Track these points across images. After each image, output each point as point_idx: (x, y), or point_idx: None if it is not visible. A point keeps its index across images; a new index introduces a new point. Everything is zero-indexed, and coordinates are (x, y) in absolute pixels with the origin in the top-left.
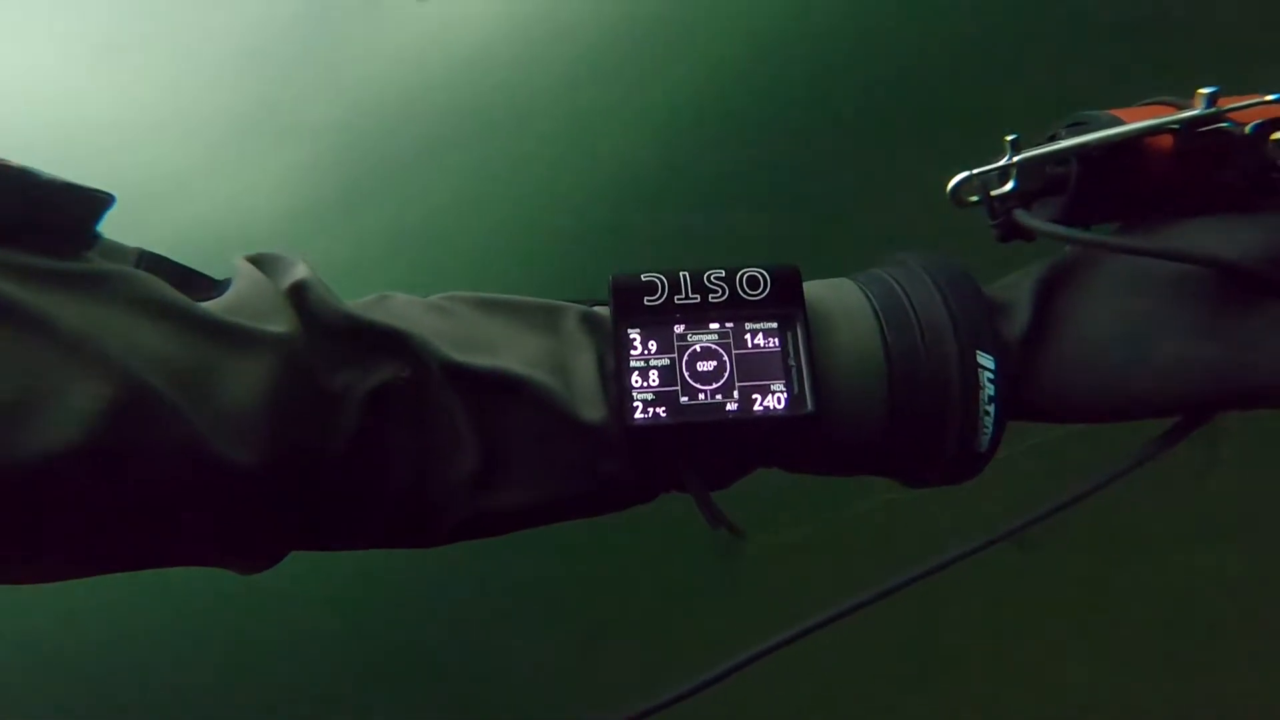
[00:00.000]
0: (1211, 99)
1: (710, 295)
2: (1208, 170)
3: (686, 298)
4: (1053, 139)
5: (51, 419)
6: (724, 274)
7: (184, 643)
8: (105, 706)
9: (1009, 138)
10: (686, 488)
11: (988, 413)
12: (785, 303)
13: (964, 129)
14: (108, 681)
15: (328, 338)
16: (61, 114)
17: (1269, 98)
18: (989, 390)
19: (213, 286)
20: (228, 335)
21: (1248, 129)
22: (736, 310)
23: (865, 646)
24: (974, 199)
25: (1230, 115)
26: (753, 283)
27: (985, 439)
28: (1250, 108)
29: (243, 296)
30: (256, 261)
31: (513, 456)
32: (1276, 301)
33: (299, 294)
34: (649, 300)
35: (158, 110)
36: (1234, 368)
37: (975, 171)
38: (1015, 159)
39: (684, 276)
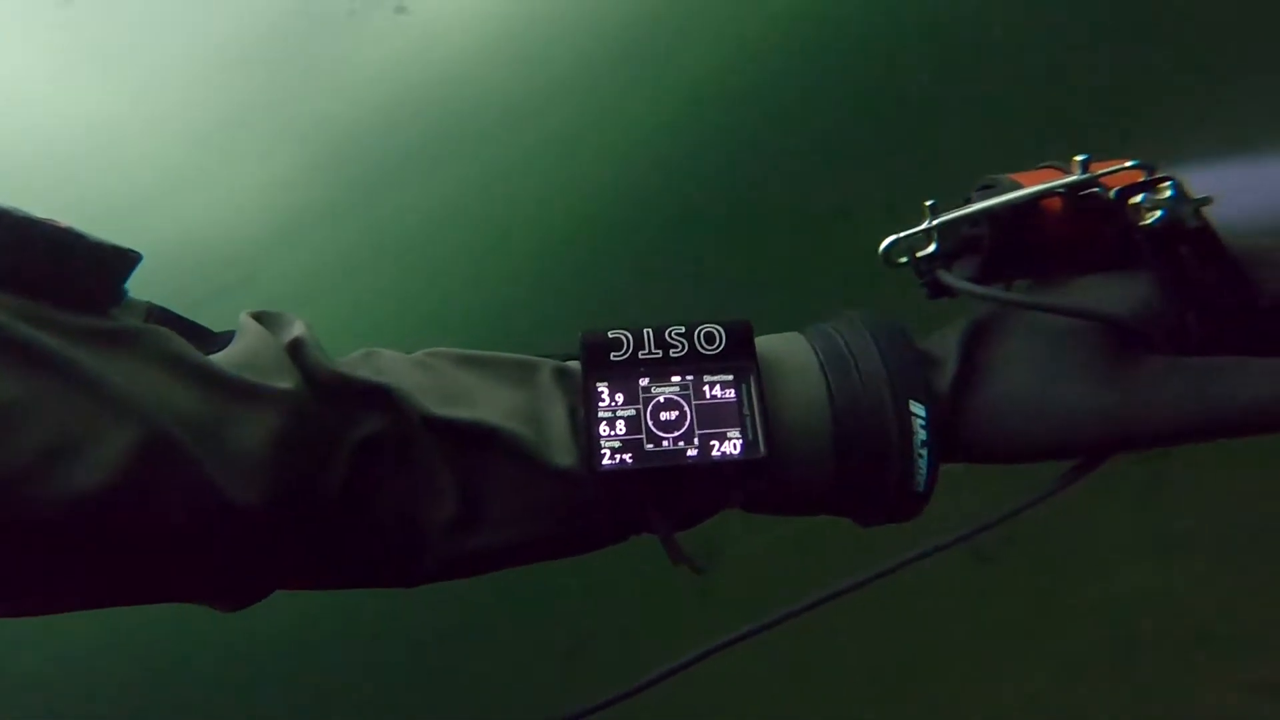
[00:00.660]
0: (1084, 165)
1: (671, 350)
2: (1094, 230)
3: (650, 353)
4: (967, 202)
5: (88, 462)
6: (684, 330)
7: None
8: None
9: (928, 203)
10: (652, 528)
11: (921, 455)
12: (739, 357)
13: (950, 145)
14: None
15: (323, 393)
16: (36, 120)
17: (1128, 164)
18: (921, 435)
19: (214, 339)
20: (238, 390)
21: (1112, 194)
22: (695, 364)
23: (822, 658)
24: (903, 260)
25: (1102, 180)
26: (709, 338)
27: (921, 480)
28: (1115, 173)
29: (249, 353)
30: (259, 318)
31: (489, 500)
32: (1154, 354)
33: (298, 352)
34: (615, 355)
35: (133, 118)
36: (1121, 416)
37: (901, 235)
38: (934, 222)
39: (647, 333)
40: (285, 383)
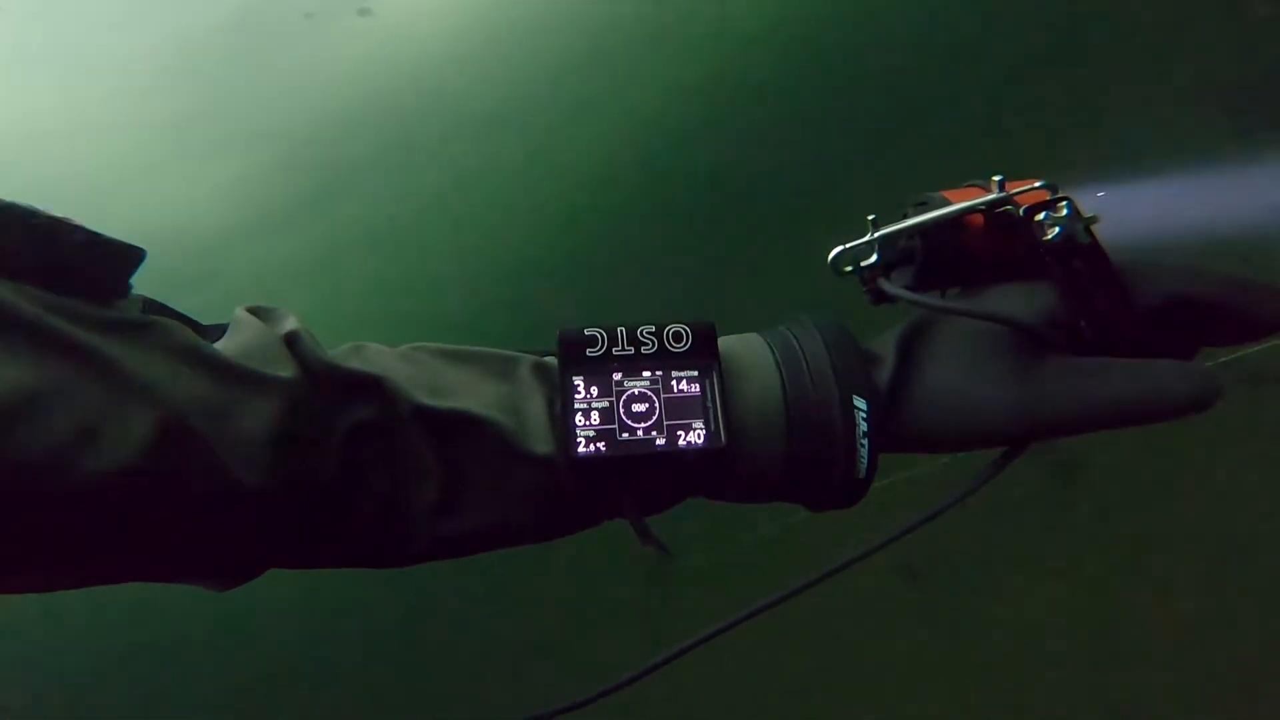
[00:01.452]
0: (1000, 184)
1: (643, 348)
2: (1009, 244)
3: (623, 349)
4: (904, 217)
5: (108, 444)
6: (654, 329)
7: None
8: None
9: (870, 217)
10: (623, 512)
11: (863, 445)
12: (704, 354)
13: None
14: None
15: (319, 383)
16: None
17: (1036, 184)
18: (863, 427)
19: (205, 331)
20: (244, 378)
21: (1022, 211)
22: (664, 360)
23: (748, 675)
24: (849, 269)
25: (1014, 199)
26: (678, 336)
27: (863, 467)
28: (1024, 192)
29: (250, 344)
30: (254, 313)
31: (472, 486)
32: (1056, 355)
33: (294, 344)
34: (590, 352)
35: (84, 119)
36: (1028, 409)
37: (847, 246)
38: (875, 235)
39: (620, 331)
40: (285, 372)
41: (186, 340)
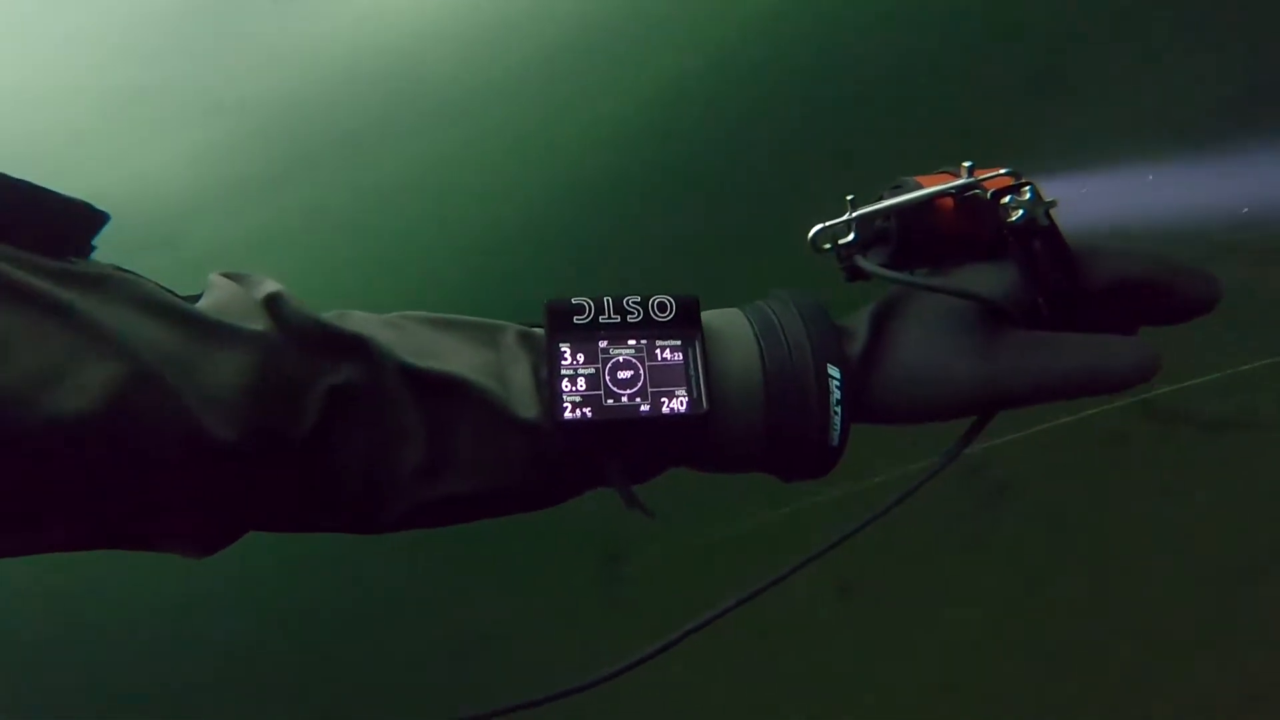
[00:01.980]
0: (970, 170)
1: (628, 316)
2: (977, 225)
3: (609, 318)
4: (880, 199)
5: (70, 389)
6: (639, 299)
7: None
8: None
9: (849, 198)
10: (608, 478)
11: (836, 412)
12: (687, 324)
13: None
14: None
15: (300, 339)
16: None
17: (1002, 171)
18: (836, 395)
19: (180, 298)
20: (215, 330)
21: (989, 195)
22: (649, 330)
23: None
24: (827, 246)
25: (983, 184)
26: (662, 307)
27: (836, 435)
28: (992, 178)
29: (223, 302)
30: (231, 277)
31: (457, 449)
32: (1017, 330)
33: (274, 303)
34: (578, 319)
35: (40, 87)
36: (994, 380)
37: (825, 225)
38: (852, 215)
39: (607, 300)
40: (259, 326)
41: (149, 290)
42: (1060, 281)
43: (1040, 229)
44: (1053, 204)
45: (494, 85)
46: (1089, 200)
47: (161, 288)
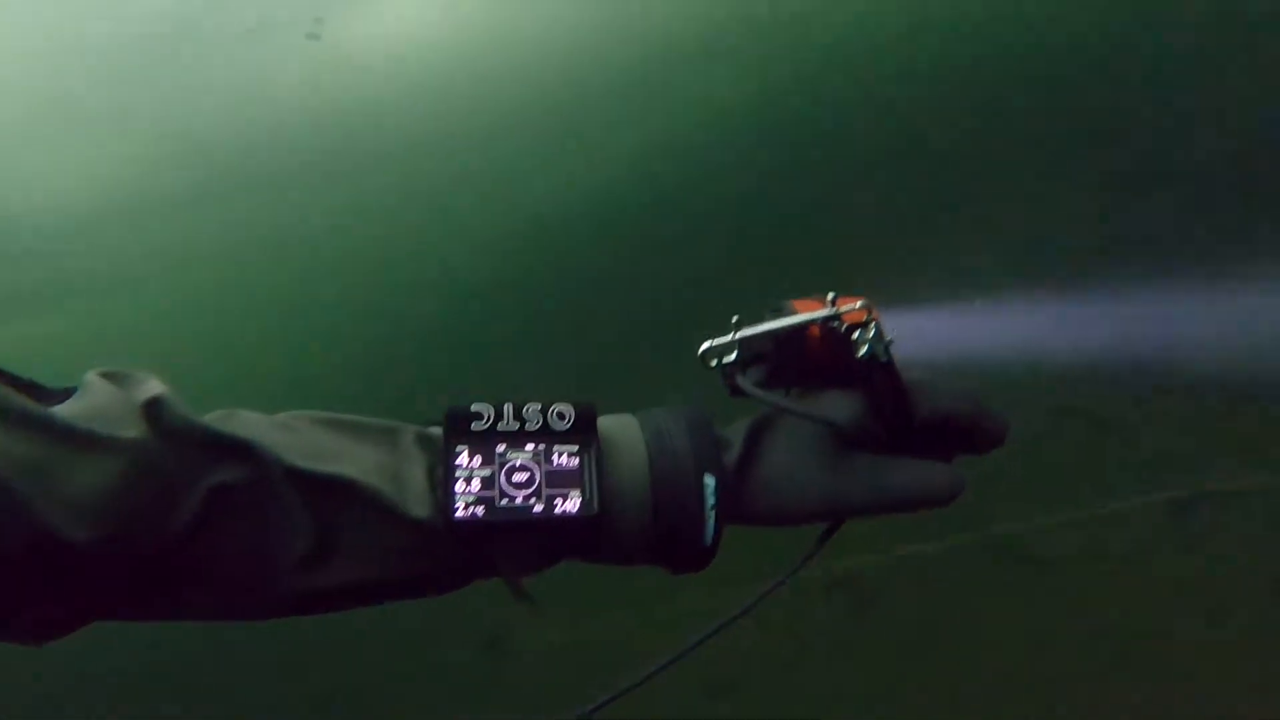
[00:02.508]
0: (833, 301)
1: (527, 425)
2: (837, 354)
3: (508, 425)
4: (764, 319)
5: None
6: (540, 406)
7: None
8: None
9: (734, 318)
10: (499, 570)
11: (710, 516)
12: (584, 432)
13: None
14: None
15: (178, 444)
16: None
17: (857, 304)
18: (711, 501)
19: (50, 395)
20: (78, 438)
21: (844, 328)
22: (547, 435)
23: None
24: (714, 363)
25: (842, 316)
26: (561, 415)
27: (708, 536)
28: (849, 311)
29: (96, 407)
30: (109, 377)
31: (344, 542)
32: (861, 452)
33: (153, 407)
34: (476, 426)
35: None
36: (838, 494)
37: (712, 344)
38: (735, 336)
39: (507, 407)
40: (130, 433)
41: (7, 401)
42: (894, 413)
43: (880, 364)
44: (890, 342)
45: (449, 142)
46: (933, 332)
47: (25, 391)
